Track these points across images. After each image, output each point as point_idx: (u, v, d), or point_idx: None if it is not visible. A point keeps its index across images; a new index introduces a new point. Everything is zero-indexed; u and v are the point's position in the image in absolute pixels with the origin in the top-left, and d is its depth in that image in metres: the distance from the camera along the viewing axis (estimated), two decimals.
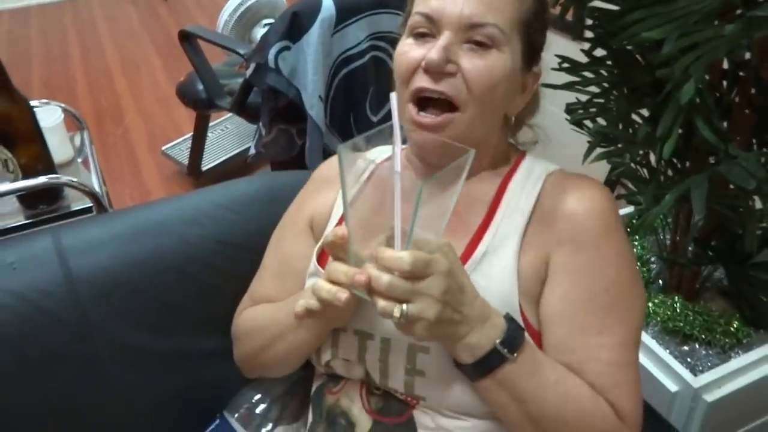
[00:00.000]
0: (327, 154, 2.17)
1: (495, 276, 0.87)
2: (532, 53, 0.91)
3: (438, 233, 0.76)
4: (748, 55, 1.31)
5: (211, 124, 3.10)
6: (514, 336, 0.80)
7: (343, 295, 0.77)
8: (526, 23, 0.88)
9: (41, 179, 1.39)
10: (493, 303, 0.82)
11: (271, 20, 3.01)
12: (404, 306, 0.72)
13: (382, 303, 0.72)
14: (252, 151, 2.24)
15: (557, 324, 0.87)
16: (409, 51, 0.87)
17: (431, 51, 0.84)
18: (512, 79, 0.88)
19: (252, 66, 2.02)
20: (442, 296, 0.73)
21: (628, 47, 1.33)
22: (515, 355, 0.80)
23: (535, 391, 0.81)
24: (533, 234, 0.90)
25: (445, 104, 0.86)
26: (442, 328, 0.75)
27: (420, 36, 0.87)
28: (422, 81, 0.85)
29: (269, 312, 1.01)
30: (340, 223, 0.99)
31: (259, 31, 3.03)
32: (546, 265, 0.89)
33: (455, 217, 0.77)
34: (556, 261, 0.88)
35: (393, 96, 0.80)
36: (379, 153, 0.96)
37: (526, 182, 0.94)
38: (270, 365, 1.03)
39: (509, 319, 0.82)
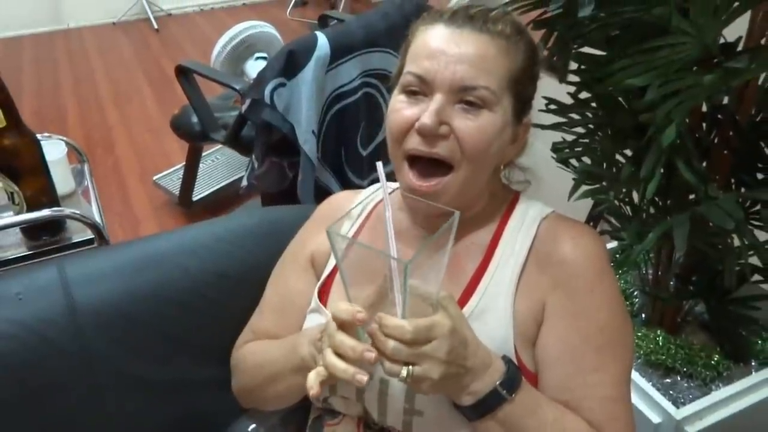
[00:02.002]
0: (318, 187, 2.20)
1: (491, 321, 0.88)
2: (522, 106, 0.92)
3: (437, 286, 0.77)
4: (726, 100, 1.34)
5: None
6: (512, 377, 0.82)
7: (364, 378, 0.75)
8: (516, 80, 0.89)
9: (46, 212, 1.40)
10: (490, 347, 0.83)
11: (264, 54, 3.06)
12: (410, 367, 0.74)
13: (388, 365, 0.74)
14: (244, 182, 2.26)
15: (555, 365, 0.88)
16: (401, 110, 0.88)
17: (424, 116, 0.84)
18: (504, 134, 0.90)
19: (248, 101, 2.04)
20: (447, 356, 0.75)
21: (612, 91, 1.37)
22: (514, 395, 0.81)
23: (534, 430, 0.83)
24: (528, 278, 0.91)
25: (437, 161, 0.87)
26: (447, 382, 0.77)
27: (412, 93, 0.88)
28: (415, 143, 0.87)
29: (269, 350, 1.01)
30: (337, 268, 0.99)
31: (252, 65, 3.07)
32: (542, 308, 0.90)
33: (453, 263, 0.78)
34: (551, 304, 0.90)
35: (379, 165, 0.81)
36: (370, 194, 0.98)
37: (521, 227, 0.95)
38: (268, 401, 1.04)
39: (507, 360, 0.84)
